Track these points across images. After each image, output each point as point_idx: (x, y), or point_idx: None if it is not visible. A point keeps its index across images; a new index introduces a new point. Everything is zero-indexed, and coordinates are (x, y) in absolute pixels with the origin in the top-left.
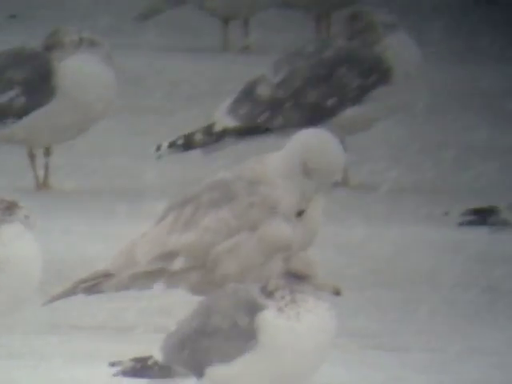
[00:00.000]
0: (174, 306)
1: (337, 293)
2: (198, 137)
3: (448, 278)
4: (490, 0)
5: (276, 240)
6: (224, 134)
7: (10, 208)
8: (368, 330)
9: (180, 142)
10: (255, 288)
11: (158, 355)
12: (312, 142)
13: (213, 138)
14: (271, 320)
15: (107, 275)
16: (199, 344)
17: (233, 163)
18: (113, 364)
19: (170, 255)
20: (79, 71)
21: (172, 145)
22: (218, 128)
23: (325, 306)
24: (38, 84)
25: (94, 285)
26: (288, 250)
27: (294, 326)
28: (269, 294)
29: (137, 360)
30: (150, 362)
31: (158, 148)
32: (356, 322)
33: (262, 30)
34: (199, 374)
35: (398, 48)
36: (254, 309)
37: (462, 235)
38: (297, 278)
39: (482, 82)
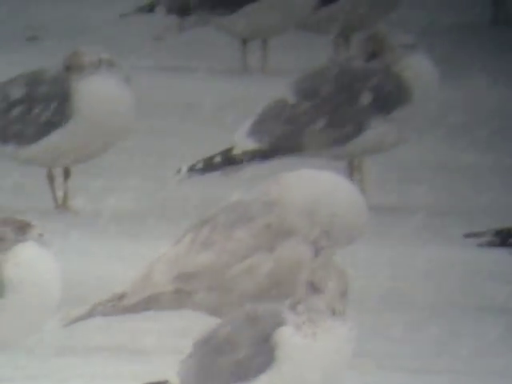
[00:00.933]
0: (193, 328)
1: (333, 312)
2: (217, 160)
3: (470, 300)
4: (506, 20)
5: (293, 263)
6: (243, 156)
7: (23, 228)
8: (388, 351)
9: (199, 165)
10: (274, 306)
11: (174, 381)
12: (335, 206)
13: (232, 161)
14: (289, 337)
15: (125, 297)
16: (217, 365)
17: (252, 184)
18: None
19: (187, 276)
20: (98, 92)
21: (191, 168)
22: (237, 151)
23: (344, 326)
24: (56, 105)
25: (111, 307)
26: (304, 273)
27: (311, 345)
28: (290, 308)
29: None
30: None
31: (178, 171)
32: (375, 343)
33: (280, 51)
34: None
35: (417, 68)
36: (272, 325)
37: (482, 256)
38: (315, 291)
39: (499, 100)
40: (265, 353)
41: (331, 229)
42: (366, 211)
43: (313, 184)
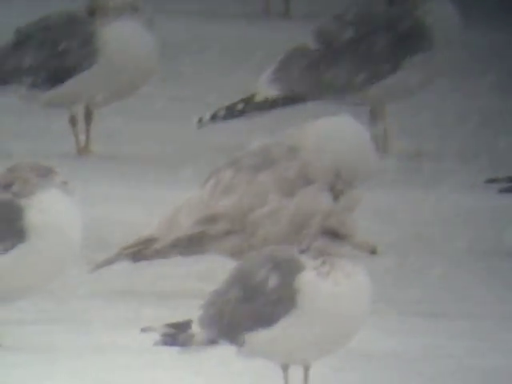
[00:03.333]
0: (215, 272)
1: (373, 252)
2: (240, 107)
3: (488, 246)
4: None
5: (312, 209)
6: (266, 103)
7: (46, 174)
8: (407, 297)
9: (222, 113)
10: (293, 249)
11: (196, 327)
12: (344, 150)
13: (255, 107)
14: (310, 282)
15: (151, 240)
16: (238, 311)
17: (275, 130)
18: (144, 330)
19: (211, 219)
20: (122, 36)
21: (214, 116)
22: (259, 98)
23: (362, 271)
24: (80, 48)
25: (138, 250)
26: (324, 219)
27: (333, 290)
28: (305, 253)
29: (170, 326)
30: (187, 331)
31: (200, 120)
32: (395, 289)
33: None
34: (240, 342)
35: (439, 13)
36: (292, 270)
37: (502, 202)
38: (334, 237)
39: None
40: (286, 298)
41: (341, 170)
42: (373, 155)
43: (336, 132)
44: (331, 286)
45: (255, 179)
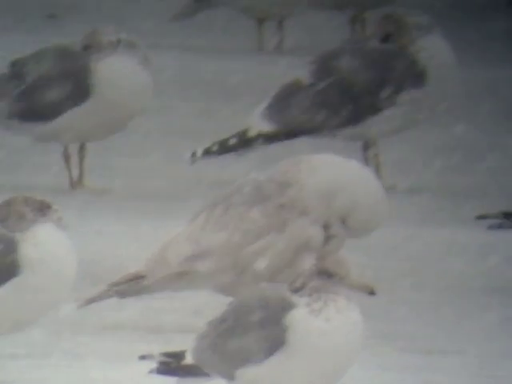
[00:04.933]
0: (208, 307)
1: (371, 292)
2: (233, 142)
3: (480, 281)
4: None
5: (303, 242)
6: (258, 138)
7: (43, 209)
8: (402, 333)
9: (215, 148)
10: (285, 287)
11: (189, 358)
12: (356, 195)
13: (247, 142)
14: (300, 319)
15: (140, 277)
16: (230, 346)
17: (267, 165)
18: (143, 357)
19: (201, 256)
20: (116, 72)
21: (207, 151)
22: (252, 133)
23: (354, 308)
24: (74, 83)
25: (126, 288)
26: (315, 252)
27: (323, 327)
28: (298, 292)
29: (167, 355)
30: (181, 361)
31: (193, 154)
32: (389, 324)
33: (296, 30)
34: (230, 376)
35: (432, 50)
36: (283, 308)
37: (492, 238)
38: (329, 277)
39: None
40: (275, 335)
41: (349, 218)
42: (386, 203)
43: (336, 170)
44: (322, 323)
45: (247, 215)
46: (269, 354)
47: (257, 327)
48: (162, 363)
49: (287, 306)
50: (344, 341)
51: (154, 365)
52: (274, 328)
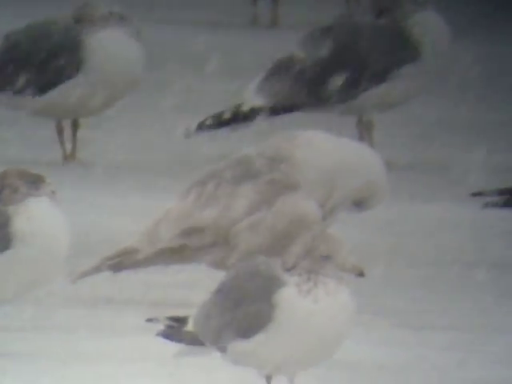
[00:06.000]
0: (199, 281)
1: (360, 274)
2: (227, 116)
3: (473, 257)
4: None
5: (295, 217)
6: (252, 112)
7: (37, 182)
8: (393, 308)
9: (208, 122)
10: (277, 264)
11: (190, 324)
12: (364, 176)
13: (241, 117)
14: (288, 299)
15: (132, 252)
16: (221, 319)
17: (260, 140)
18: (150, 320)
19: (193, 231)
20: (108, 46)
21: (201, 125)
22: (246, 107)
23: (344, 290)
24: (66, 57)
25: (119, 262)
26: (310, 228)
27: (310, 308)
28: (289, 271)
29: (172, 319)
30: (183, 327)
31: (187, 128)
32: (381, 300)
33: (290, 5)
34: (222, 348)
35: (427, 25)
36: (273, 285)
37: (487, 215)
38: (320, 257)
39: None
40: (264, 312)
41: (349, 194)
42: (385, 179)
43: (334, 146)
44: (310, 303)
45: (237, 191)
46: (257, 330)
47: (247, 303)
48: (166, 327)
49: (277, 284)
50: (331, 323)
51: (148, 335)
52: (262, 305)
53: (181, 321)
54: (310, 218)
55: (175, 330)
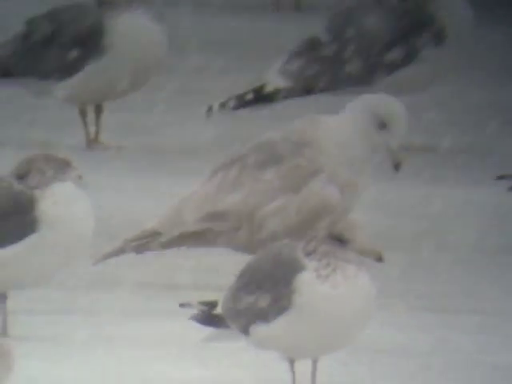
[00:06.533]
0: (223, 264)
1: (379, 259)
2: (249, 97)
3: (498, 241)
4: None
5: (319, 202)
6: (275, 94)
7: (63, 167)
8: (417, 292)
9: (231, 102)
10: (299, 247)
11: (219, 308)
12: (382, 99)
13: (264, 98)
14: (307, 283)
15: (155, 234)
16: (244, 301)
17: (283, 121)
18: (182, 305)
19: (217, 215)
20: (131, 28)
21: (223, 105)
22: (269, 88)
23: (364, 275)
24: (89, 41)
25: (142, 243)
26: (332, 213)
27: (329, 293)
28: (309, 256)
29: (204, 304)
30: (213, 310)
31: (209, 109)
32: (405, 284)
33: None
34: (245, 331)
35: (451, 9)
36: (293, 270)
37: (511, 198)
38: (340, 242)
39: None
40: (284, 297)
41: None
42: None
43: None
44: (329, 289)
45: (262, 176)
46: (277, 314)
47: (268, 286)
48: (201, 311)
49: (297, 269)
50: (350, 308)
51: (173, 319)
52: (283, 289)
53: (210, 304)
54: (333, 203)
55: (206, 313)
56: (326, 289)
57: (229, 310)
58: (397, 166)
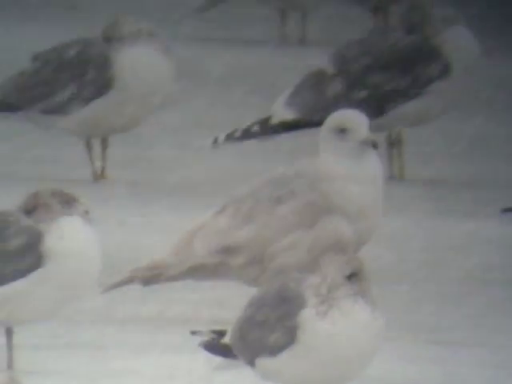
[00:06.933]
0: (229, 298)
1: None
2: (255, 129)
3: (504, 274)
4: None
5: (333, 239)
6: (281, 126)
7: (70, 202)
8: (424, 325)
9: (237, 134)
10: (305, 281)
11: (227, 337)
12: (334, 114)
13: (270, 130)
14: (309, 319)
15: (164, 266)
16: (250, 334)
17: (287, 154)
18: (194, 333)
19: (229, 249)
20: (137, 62)
21: (229, 137)
22: (275, 121)
23: (362, 309)
24: (96, 75)
25: (151, 275)
26: (345, 249)
27: (329, 329)
28: (312, 289)
29: (214, 332)
30: (221, 340)
31: (215, 140)
32: (412, 316)
33: (318, 22)
34: (251, 363)
35: (457, 41)
36: (297, 306)
37: None
38: (342, 277)
39: None
40: (288, 332)
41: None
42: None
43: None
44: (328, 326)
45: (275, 211)
46: (282, 348)
47: (274, 320)
48: (212, 339)
49: (300, 305)
50: (351, 343)
51: (177, 353)
52: (288, 324)
53: (219, 333)
54: (346, 240)
55: (215, 341)
56: (325, 325)
57: (236, 342)
58: (374, 146)
